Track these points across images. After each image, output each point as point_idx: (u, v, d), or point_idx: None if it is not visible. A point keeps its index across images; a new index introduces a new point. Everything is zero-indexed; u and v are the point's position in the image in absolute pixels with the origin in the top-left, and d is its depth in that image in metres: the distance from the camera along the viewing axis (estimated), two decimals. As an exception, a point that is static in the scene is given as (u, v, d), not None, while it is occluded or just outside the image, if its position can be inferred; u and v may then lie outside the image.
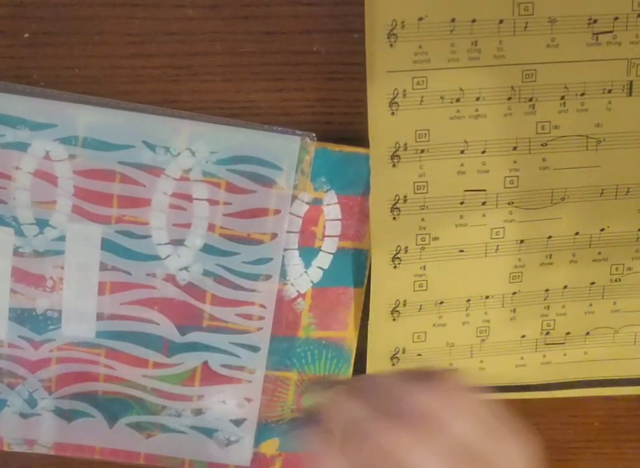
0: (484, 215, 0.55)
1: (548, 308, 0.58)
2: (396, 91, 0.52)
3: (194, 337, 0.56)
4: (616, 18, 0.51)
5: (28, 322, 0.56)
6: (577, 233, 0.56)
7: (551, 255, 0.56)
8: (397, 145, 0.53)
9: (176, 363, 0.57)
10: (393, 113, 0.52)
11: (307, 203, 0.54)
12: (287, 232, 0.55)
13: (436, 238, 0.55)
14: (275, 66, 0.52)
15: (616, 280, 0.57)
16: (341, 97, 0.53)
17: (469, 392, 0.43)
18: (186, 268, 0.55)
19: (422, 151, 0.53)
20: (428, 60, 0.51)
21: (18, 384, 0.57)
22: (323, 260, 0.56)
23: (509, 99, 0.52)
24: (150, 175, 0.53)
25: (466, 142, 0.53)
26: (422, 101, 0.52)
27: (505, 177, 0.54)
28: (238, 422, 0.59)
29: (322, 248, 0.55)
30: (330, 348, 0.57)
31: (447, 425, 0.40)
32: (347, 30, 0.51)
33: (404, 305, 0.56)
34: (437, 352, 0.58)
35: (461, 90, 0.52)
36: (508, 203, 0.55)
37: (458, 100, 0.52)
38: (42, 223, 0.54)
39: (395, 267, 0.55)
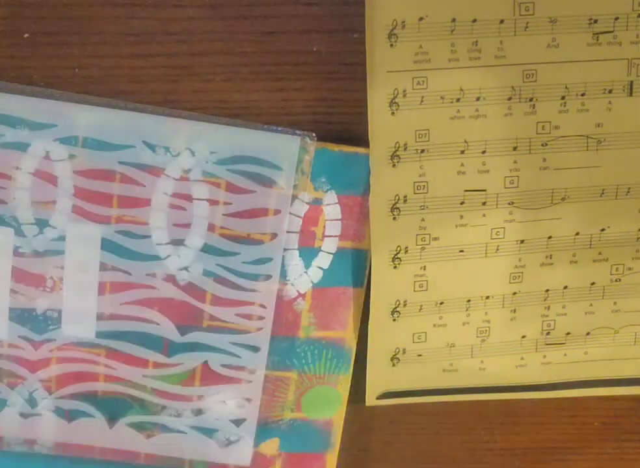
0: (484, 215, 0.55)
1: (548, 308, 0.58)
2: (396, 91, 0.51)
3: (194, 337, 0.56)
4: (616, 18, 0.51)
5: (28, 322, 0.56)
6: (577, 233, 0.56)
7: (551, 255, 0.56)
8: (397, 145, 0.53)
9: (176, 363, 0.57)
10: (393, 113, 0.52)
11: (307, 203, 0.54)
12: (287, 232, 0.55)
13: (436, 238, 0.55)
14: (275, 66, 0.52)
15: (616, 280, 0.57)
16: (341, 97, 0.53)
17: None
18: (186, 268, 0.55)
19: (422, 151, 0.53)
20: (429, 60, 0.51)
21: (18, 384, 0.57)
22: (323, 260, 0.55)
23: (509, 99, 0.52)
24: (150, 175, 0.53)
25: (466, 142, 0.53)
26: (422, 101, 0.52)
27: (505, 177, 0.54)
28: (238, 422, 0.59)
29: (322, 248, 0.55)
30: (330, 348, 0.57)
31: None
32: (347, 30, 0.51)
33: (404, 305, 0.56)
34: (437, 352, 0.58)
35: (461, 90, 0.52)
36: (509, 203, 0.55)
37: (458, 100, 0.52)
38: (42, 223, 0.54)
39: (395, 267, 0.55)
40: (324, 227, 0.55)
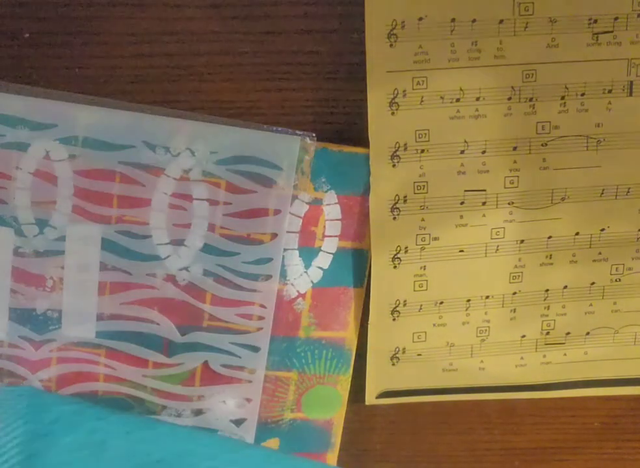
0: (484, 215, 0.55)
1: (548, 308, 0.58)
2: (396, 91, 0.52)
3: (194, 337, 0.56)
4: (616, 18, 0.51)
5: (28, 322, 0.56)
6: (577, 233, 0.56)
7: (551, 255, 0.56)
8: (397, 145, 0.53)
9: (176, 363, 0.57)
10: (393, 113, 0.52)
11: (307, 203, 0.54)
12: (287, 232, 0.55)
13: (436, 238, 0.55)
14: (275, 66, 0.52)
15: (616, 280, 0.57)
16: (341, 97, 0.53)
17: None
18: (186, 268, 0.55)
19: (422, 151, 0.53)
20: (429, 60, 0.51)
21: (18, 384, 0.57)
22: (323, 260, 0.56)
23: (509, 99, 0.52)
24: (150, 175, 0.53)
25: (466, 142, 0.53)
26: (422, 101, 0.52)
27: (505, 177, 0.54)
28: (238, 422, 0.59)
29: (322, 248, 0.55)
30: (330, 348, 0.57)
31: None
32: (347, 30, 0.51)
33: (404, 305, 0.56)
34: (437, 352, 0.58)
35: (461, 90, 0.52)
36: (509, 203, 0.55)
37: (458, 100, 0.52)
38: (42, 223, 0.54)
39: (395, 267, 0.55)
40: (324, 227, 0.55)
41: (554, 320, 0.58)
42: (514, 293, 0.57)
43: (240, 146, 0.53)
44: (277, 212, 0.54)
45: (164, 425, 0.54)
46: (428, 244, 0.55)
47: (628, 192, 0.55)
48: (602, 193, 0.55)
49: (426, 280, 0.56)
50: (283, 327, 0.57)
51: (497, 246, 0.56)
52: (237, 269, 0.55)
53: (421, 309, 0.57)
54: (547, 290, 0.57)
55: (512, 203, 0.55)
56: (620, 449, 0.64)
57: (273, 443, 0.59)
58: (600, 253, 0.57)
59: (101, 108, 0.52)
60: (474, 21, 0.50)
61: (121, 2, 0.50)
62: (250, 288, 0.55)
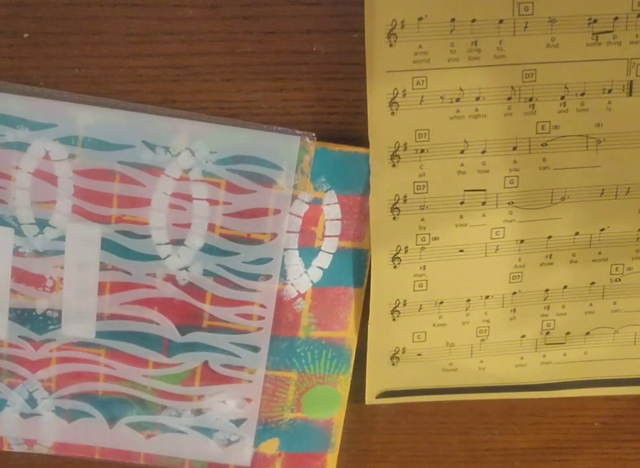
0: (484, 215, 0.55)
1: (548, 308, 0.58)
2: (396, 91, 0.52)
3: (194, 337, 0.56)
4: (616, 18, 0.51)
5: (28, 322, 0.56)
6: (577, 233, 0.56)
7: (551, 255, 0.56)
8: (397, 145, 0.53)
9: (176, 363, 0.57)
10: (393, 113, 0.52)
11: (307, 203, 0.54)
12: (287, 232, 0.55)
13: (436, 238, 0.55)
14: (275, 66, 0.52)
15: (616, 280, 0.57)
16: (341, 97, 0.53)
17: None
18: (186, 268, 0.55)
19: (422, 151, 0.53)
20: (428, 60, 0.51)
21: (18, 384, 0.57)
22: (323, 260, 0.56)
23: (509, 99, 0.52)
24: (150, 175, 0.53)
25: (466, 141, 0.53)
26: (422, 100, 0.52)
27: (505, 177, 0.54)
28: (238, 422, 0.59)
29: (322, 248, 0.55)
30: (330, 348, 0.57)
31: None
32: (347, 30, 0.51)
33: (404, 305, 0.56)
34: (437, 352, 0.58)
35: (461, 89, 0.52)
36: (508, 203, 0.55)
37: (458, 100, 0.52)
38: (42, 223, 0.54)
39: (395, 267, 0.55)
40: (324, 227, 0.55)
41: (554, 320, 0.58)
42: (514, 293, 0.57)
43: (240, 146, 0.53)
44: (277, 212, 0.54)
45: None
46: (428, 244, 0.55)
47: (628, 191, 0.55)
48: (602, 193, 0.55)
49: (426, 280, 0.56)
50: (283, 327, 0.57)
51: (497, 246, 0.56)
52: (237, 269, 0.55)
53: (421, 309, 0.57)
54: (547, 290, 0.57)
55: (512, 203, 0.55)
56: (620, 449, 0.64)
57: (273, 443, 0.60)
58: (599, 253, 0.57)
59: (101, 108, 0.52)
60: (474, 21, 0.50)
61: (121, 2, 0.50)
62: (250, 288, 0.55)
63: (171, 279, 0.55)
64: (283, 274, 0.55)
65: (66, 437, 0.59)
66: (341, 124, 0.54)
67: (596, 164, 0.54)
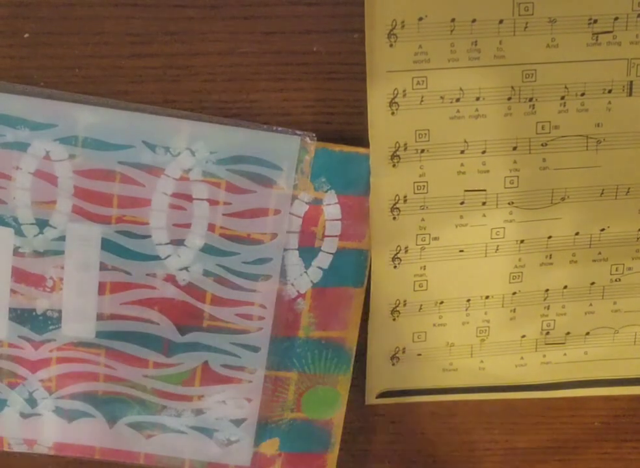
0: (484, 215, 0.55)
1: (548, 308, 0.58)
2: (396, 91, 0.52)
3: (194, 337, 0.56)
4: (616, 18, 0.51)
5: (28, 322, 0.56)
6: (577, 233, 0.56)
7: (551, 255, 0.56)
8: (397, 145, 0.53)
9: (176, 363, 0.57)
10: (393, 113, 0.52)
11: (307, 203, 0.54)
12: (287, 232, 0.55)
13: (436, 238, 0.55)
14: (275, 66, 0.52)
15: (616, 280, 0.58)
16: (341, 97, 0.53)
17: None
18: (186, 268, 0.55)
19: (422, 151, 0.53)
20: (428, 60, 0.51)
21: (18, 384, 0.57)
22: (323, 260, 0.56)
23: (509, 99, 0.52)
24: (150, 175, 0.53)
25: (466, 142, 0.53)
26: (422, 101, 0.52)
27: (505, 177, 0.54)
28: (238, 422, 0.59)
29: (322, 248, 0.55)
30: (330, 348, 0.57)
31: None
32: (347, 30, 0.51)
33: (404, 304, 0.56)
34: (437, 352, 0.58)
35: (461, 90, 0.52)
36: (508, 203, 0.55)
37: (458, 100, 0.52)
38: (42, 223, 0.54)
39: (395, 267, 0.55)
40: (324, 227, 0.55)
41: (554, 320, 0.58)
42: (514, 293, 0.57)
43: (240, 146, 0.53)
44: (277, 212, 0.54)
45: None
46: (428, 244, 0.55)
47: (628, 191, 0.55)
48: (602, 193, 0.55)
49: (426, 280, 0.56)
50: (283, 327, 0.57)
51: (497, 246, 0.56)
52: (237, 269, 0.55)
53: (421, 309, 0.57)
54: (547, 290, 0.57)
55: (512, 203, 0.55)
56: (620, 449, 0.64)
57: (273, 443, 0.60)
58: (599, 253, 0.57)
59: (101, 108, 0.52)
60: (474, 21, 0.50)
61: (121, 2, 0.50)
62: (249, 288, 0.55)
63: (171, 279, 0.55)
64: (283, 274, 0.55)
65: (66, 437, 0.59)
66: (341, 124, 0.54)
67: (596, 164, 0.54)
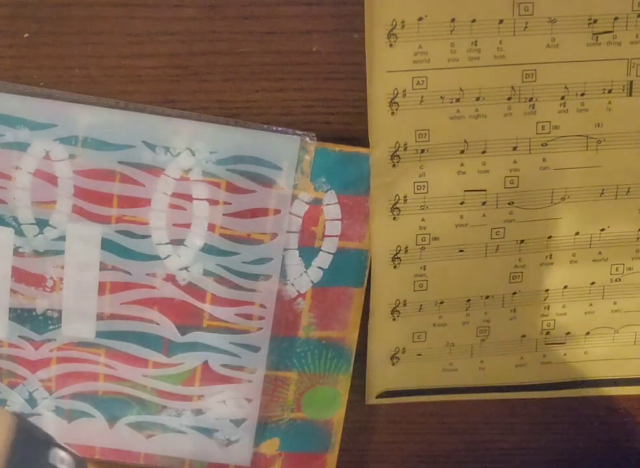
0: (484, 215, 0.55)
1: (548, 308, 0.58)
2: (396, 91, 0.52)
3: (194, 337, 0.56)
4: (616, 18, 0.51)
5: (28, 322, 0.56)
6: (577, 233, 0.56)
7: (551, 255, 0.56)
8: (397, 145, 0.53)
9: (176, 363, 0.57)
10: (393, 113, 0.52)
11: (307, 203, 0.54)
12: (287, 232, 0.55)
13: (436, 238, 0.55)
14: (275, 66, 0.52)
15: (616, 280, 0.58)
16: (341, 97, 0.53)
17: None
18: (186, 268, 0.55)
19: (422, 151, 0.53)
20: (428, 60, 0.51)
21: (18, 384, 0.57)
22: (323, 260, 0.55)
23: (509, 99, 0.52)
24: (150, 175, 0.53)
25: (466, 142, 0.53)
26: (422, 101, 0.52)
27: (505, 177, 0.54)
28: (238, 422, 0.59)
29: (322, 248, 0.55)
30: (330, 348, 0.57)
31: None
32: (347, 30, 0.51)
33: (404, 305, 0.56)
34: (437, 352, 0.58)
35: (461, 89, 0.52)
36: (508, 203, 0.55)
37: (458, 100, 0.52)
38: (42, 223, 0.54)
39: (395, 267, 0.55)
40: (324, 227, 0.55)
41: (554, 320, 0.58)
42: (514, 293, 0.57)
43: (240, 146, 0.53)
44: (277, 212, 0.54)
45: None
46: (428, 244, 0.55)
47: (628, 191, 0.55)
48: (602, 193, 0.55)
49: (426, 280, 0.56)
50: (283, 327, 0.57)
51: (497, 246, 0.56)
52: (237, 269, 0.55)
53: (421, 309, 0.57)
54: (547, 290, 0.57)
55: (512, 203, 0.55)
56: (620, 449, 0.64)
57: (273, 443, 0.60)
58: (600, 253, 0.57)
59: (101, 108, 0.52)
60: (474, 21, 0.50)
61: (121, 2, 0.50)
62: (250, 288, 0.55)
63: (171, 279, 0.55)
64: (283, 274, 0.55)
65: (66, 437, 0.59)
66: (341, 124, 0.54)
67: (596, 164, 0.54)
